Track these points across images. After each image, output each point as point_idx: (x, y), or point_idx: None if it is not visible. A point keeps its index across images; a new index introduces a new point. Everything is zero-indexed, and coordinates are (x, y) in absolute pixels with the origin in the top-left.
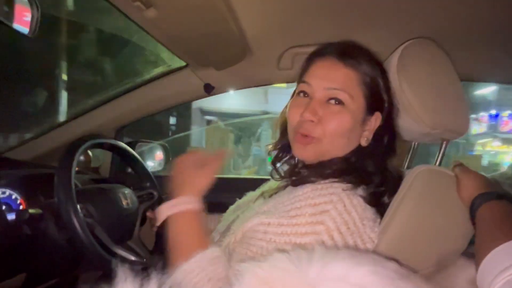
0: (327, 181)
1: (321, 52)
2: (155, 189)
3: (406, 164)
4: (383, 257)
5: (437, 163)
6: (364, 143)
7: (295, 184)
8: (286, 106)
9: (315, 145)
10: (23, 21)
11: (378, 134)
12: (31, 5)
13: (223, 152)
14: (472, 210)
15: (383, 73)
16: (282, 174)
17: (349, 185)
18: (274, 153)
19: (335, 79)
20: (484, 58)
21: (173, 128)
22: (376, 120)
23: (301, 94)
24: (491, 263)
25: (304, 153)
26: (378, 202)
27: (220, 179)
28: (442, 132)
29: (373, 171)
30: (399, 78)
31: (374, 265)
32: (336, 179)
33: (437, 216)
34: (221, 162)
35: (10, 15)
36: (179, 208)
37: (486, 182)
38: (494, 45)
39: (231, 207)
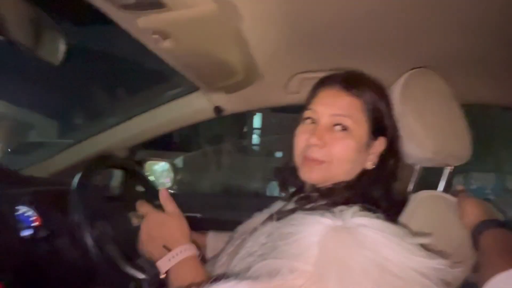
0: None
1: (326, 82)
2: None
3: (412, 189)
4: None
5: (439, 188)
6: (369, 166)
7: (305, 210)
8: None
9: (322, 168)
10: None
11: (383, 158)
12: (58, 37)
13: (164, 191)
14: (474, 237)
15: (386, 99)
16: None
17: None
18: (281, 174)
19: (339, 106)
20: (485, 82)
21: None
22: (380, 144)
23: (308, 121)
24: None
25: (312, 175)
26: None
27: (228, 196)
28: (445, 157)
29: (380, 196)
30: (402, 105)
31: None
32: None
33: (440, 242)
34: (170, 200)
35: (38, 45)
36: (180, 257)
37: (487, 209)
38: (493, 69)
39: (239, 228)
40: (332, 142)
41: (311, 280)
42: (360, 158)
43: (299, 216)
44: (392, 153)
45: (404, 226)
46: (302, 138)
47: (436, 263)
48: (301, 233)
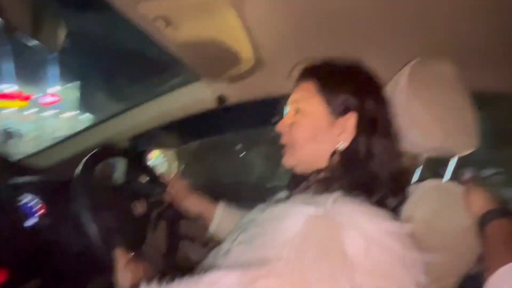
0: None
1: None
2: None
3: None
4: None
5: (445, 178)
6: (339, 147)
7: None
8: None
9: (290, 152)
10: None
11: (356, 136)
12: (58, 23)
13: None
14: (480, 226)
15: (354, 78)
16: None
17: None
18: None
19: (295, 94)
20: (494, 70)
21: None
22: (352, 121)
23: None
24: (497, 283)
25: (285, 161)
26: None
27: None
28: (451, 147)
29: (362, 177)
30: (407, 94)
31: None
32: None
33: (446, 232)
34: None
35: (37, 32)
36: None
37: (494, 199)
38: (503, 57)
39: (242, 219)
40: (291, 126)
41: (291, 268)
42: (324, 138)
43: (282, 205)
44: (363, 129)
45: (409, 215)
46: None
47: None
48: (283, 222)
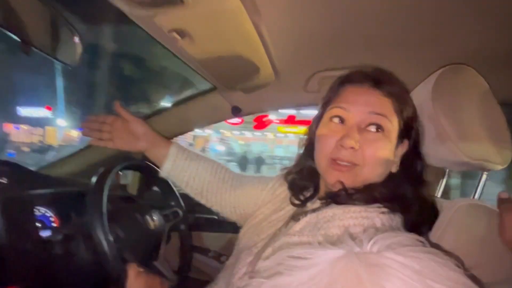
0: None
1: (354, 78)
2: (180, 208)
3: (440, 192)
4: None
5: (476, 195)
6: (394, 169)
7: (338, 202)
8: (311, 129)
9: (353, 171)
10: None
11: (407, 161)
12: (75, 39)
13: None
14: None
15: (412, 100)
16: (302, 200)
17: (386, 209)
18: (292, 177)
19: (374, 104)
20: None
21: None
22: (403, 147)
23: (336, 119)
24: None
25: (341, 179)
26: (417, 231)
27: None
28: (481, 163)
29: (411, 198)
30: (433, 105)
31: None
32: (379, 205)
33: (477, 254)
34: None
35: (54, 47)
36: None
37: None
38: None
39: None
40: (366, 144)
41: None
42: (391, 161)
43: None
44: (416, 155)
45: (439, 236)
46: (331, 139)
47: None
48: (312, 258)
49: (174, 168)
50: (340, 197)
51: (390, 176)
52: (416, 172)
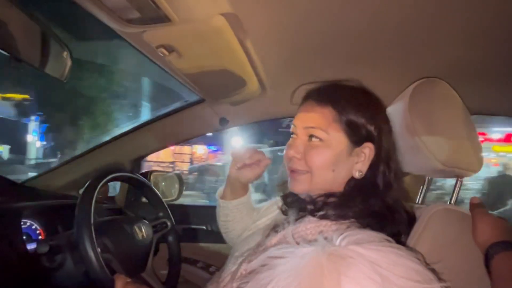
0: (345, 221)
1: (305, 96)
2: (169, 219)
3: (420, 199)
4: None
5: (452, 201)
6: (357, 175)
7: (311, 213)
8: None
9: (304, 178)
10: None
11: (372, 165)
12: (63, 52)
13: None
14: (487, 258)
15: (369, 106)
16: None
17: (359, 224)
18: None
19: (311, 119)
20: (493, 92)
21: None
22: (369, 151)
23: (293, 135)
24: None
25: (296, 186)
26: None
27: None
28: (455, 169)
29: (379, 207)
30: (411, 116)
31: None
32: (353, 220)
33: (453, 258)
34: None
35: (43, 61)
36: None
37: (503, 229)
38: (502, 79)
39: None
40: (308, 153)
41: None
42: (343, 166)
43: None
44: (380, 159)
45: (416, 241)
46: (287, 152)
47: None
48: (289, 256)
49: (236, 205)
50: (313, 209)
51: (352, 182)
52: (378, 176)
